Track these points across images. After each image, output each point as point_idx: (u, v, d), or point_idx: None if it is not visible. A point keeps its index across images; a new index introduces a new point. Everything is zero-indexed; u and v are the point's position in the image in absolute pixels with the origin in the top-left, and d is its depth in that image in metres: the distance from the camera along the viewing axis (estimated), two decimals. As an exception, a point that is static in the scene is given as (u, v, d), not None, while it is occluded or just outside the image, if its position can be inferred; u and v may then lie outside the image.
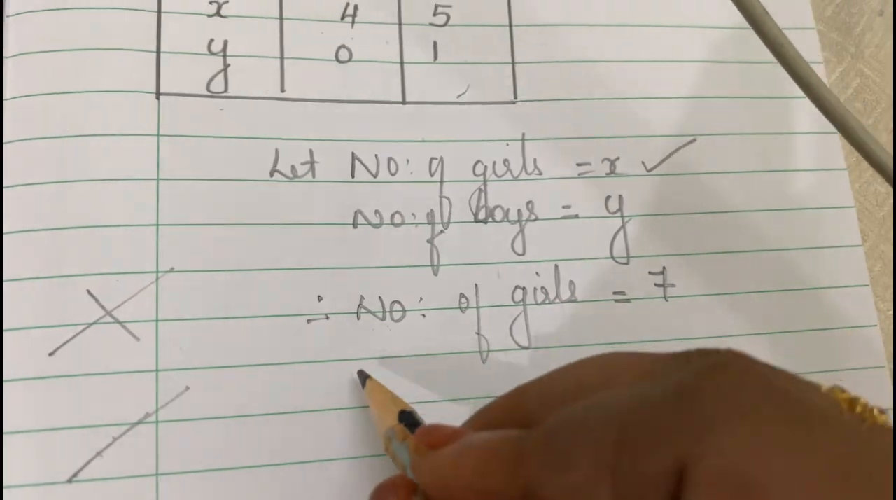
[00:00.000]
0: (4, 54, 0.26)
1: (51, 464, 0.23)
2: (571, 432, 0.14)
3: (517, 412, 0.18)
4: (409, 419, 0.21)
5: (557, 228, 0.28)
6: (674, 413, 0.13)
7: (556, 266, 0.27)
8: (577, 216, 0.28)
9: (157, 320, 0.24)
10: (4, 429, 0.23)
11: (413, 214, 0.27)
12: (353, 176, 0.27)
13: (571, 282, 0.27)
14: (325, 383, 0.25)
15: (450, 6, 0.29)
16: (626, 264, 0.28)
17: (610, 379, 0.16)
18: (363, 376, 0.24)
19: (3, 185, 0.25)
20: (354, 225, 0.27)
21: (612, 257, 0.28)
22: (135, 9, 0.27)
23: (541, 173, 0.28)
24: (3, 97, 0.25)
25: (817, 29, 0.31)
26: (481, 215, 0.27)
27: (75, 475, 0.23)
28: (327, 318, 0.26)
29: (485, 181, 0.28)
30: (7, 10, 0.26)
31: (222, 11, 0.27)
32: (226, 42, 0.27)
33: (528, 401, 0.18)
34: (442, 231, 0.27)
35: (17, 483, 0.23)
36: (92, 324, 0.24)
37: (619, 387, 0.15)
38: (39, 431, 0.23)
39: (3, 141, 0.25)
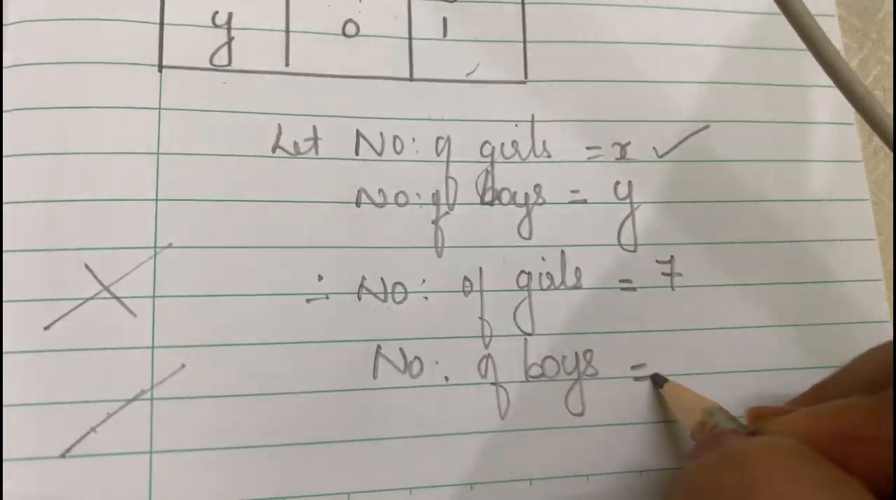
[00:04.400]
0: (4, 21, 0.25)
1: (44, 439, 0.23)
2: None
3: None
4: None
5: (565, 212, 0.27)
6: None
7: (563, 252, 0.27)
8: (585, 201, 0.27)
9: (153, 297, 0.24)
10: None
11: (418, 194, 0.26)
12: (357, 153, 0.26)
13: (577, 268, 0.27)
14: (323, 363, 0.25)
15: (461, -18, 0.28)
16: (634, 251, 0.27)
17: None
18: (660, 378, 0.26)
19: (3, 154, 0.24)
20: (357, 204, 0.26)
21: (620, 245, 0.27)
22: (138, -23, 0.26)
23: (549, 156, 0.28)
24: (3, 65, 0.25)
25: (838, 15, 0.31)
26: (487, 197, 0.27)
27: (69, 450, 0.23)
28: (327, 298, 0.25)
29: (492, 162, 0.27)
30: (7, -24, 0.25)
31: (227, -18, 0.27)
32: (230, 14, 0.27)
33: (829, 394, 0.22)
34: (447, 212, 0.26)
35: (9, 458, 0.22)
36: (89, 299, 0.24)
37: None
38: (33, 405, 0.23)
39: (3, 110, 0.24)
